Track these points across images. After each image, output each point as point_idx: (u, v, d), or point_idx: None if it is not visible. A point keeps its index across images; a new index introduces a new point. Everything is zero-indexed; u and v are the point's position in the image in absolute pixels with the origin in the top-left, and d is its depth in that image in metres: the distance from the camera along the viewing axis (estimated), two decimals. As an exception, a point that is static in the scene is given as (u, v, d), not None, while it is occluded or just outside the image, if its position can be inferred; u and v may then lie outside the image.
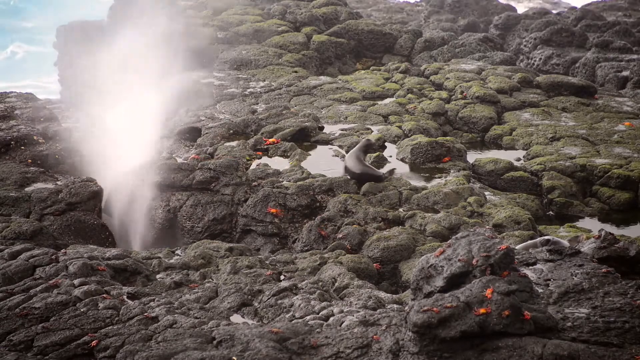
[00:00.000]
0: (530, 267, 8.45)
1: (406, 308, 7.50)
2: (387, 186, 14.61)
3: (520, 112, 21.64)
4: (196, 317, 9.05)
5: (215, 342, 8.03)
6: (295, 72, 24.00)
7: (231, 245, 12.39)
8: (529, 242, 10.09)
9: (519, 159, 18.41)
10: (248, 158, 16.62)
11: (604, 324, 7.08)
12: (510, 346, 6.75)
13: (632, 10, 33.79)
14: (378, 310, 8.87)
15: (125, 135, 16.76)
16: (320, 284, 10.44)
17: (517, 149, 19.33)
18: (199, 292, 10.13)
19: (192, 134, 19.11)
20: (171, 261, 11.49)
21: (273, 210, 13.88)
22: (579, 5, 36.56)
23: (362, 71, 25.62)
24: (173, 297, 9.95)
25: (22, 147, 16.16)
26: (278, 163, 16.51)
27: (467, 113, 21.04)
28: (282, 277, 10.98)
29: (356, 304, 9.60)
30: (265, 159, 16.75)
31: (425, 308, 7.07)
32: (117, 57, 19.12)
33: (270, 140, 17.68)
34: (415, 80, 23.56)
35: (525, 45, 29.95)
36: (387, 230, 13.05)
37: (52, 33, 28.48)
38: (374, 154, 16.54)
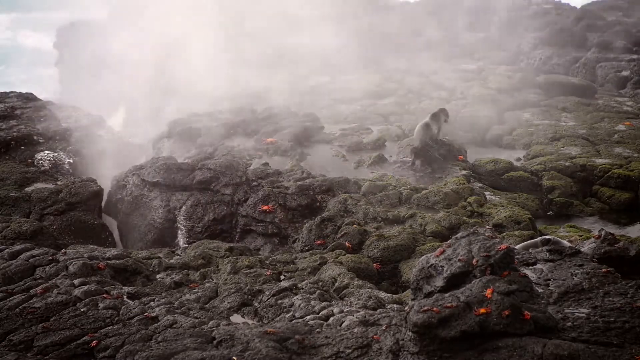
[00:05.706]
0: (530, 267, 8.44)
1: (406, 308, 7.48)
2: (387, 186, 14.60)
3: (520, 112, 21.63)
4: (196, 317, 9.04)
5: (215, 342, 8.02)
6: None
7: (231, 245, 12.38)
8: (529, 242, 10.06)
9: (519, 159, 18.39)
10: (248, 158, 16.61)
11: (604, 324, 7.08)
12: (510, 346, 6.74)
13: (632, 10, 33.81)
14: (378, 310, 8.86)
15: None
16: (320, 284, 10.43)
17: (517, 149, 19.32)
18: (199, 292, 10.12)
19: (192, 134, 19.11)
20: (171, 261, 11.48)
21: (265, 207, 13.86)
22: (579, 5, 36.61)
23: (362, 71, 25.60)
24: (173, 297, 9.94)
25: (22, 147, 16.15)
26: (278, 163, 16.49)
27: (467, 113, 21.01)
28: (282, 277, 10.96)
29: (356, 304, 9.60)
30: (265, 159, 16.73)
31: (426, 308, 7.06)
32: None
33: (270, 140, 17.67)
34: (415, 80, 23.55)
35: (525, 45, 29.98)
36: (387, 230, 13.03)
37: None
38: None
